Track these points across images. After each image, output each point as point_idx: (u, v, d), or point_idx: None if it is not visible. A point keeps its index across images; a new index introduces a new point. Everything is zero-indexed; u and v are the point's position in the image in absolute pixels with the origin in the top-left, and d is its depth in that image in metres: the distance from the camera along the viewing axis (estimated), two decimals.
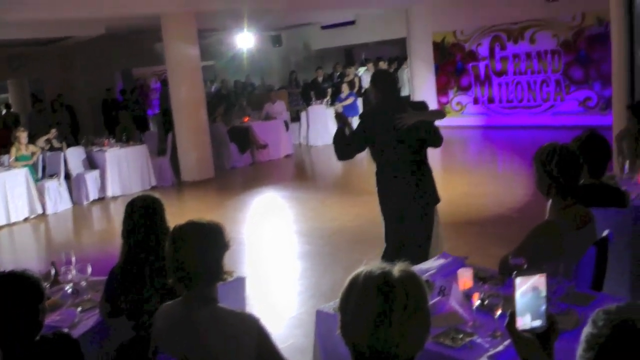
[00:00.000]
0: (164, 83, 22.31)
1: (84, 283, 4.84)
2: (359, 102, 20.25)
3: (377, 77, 6.50)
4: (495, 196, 11.60)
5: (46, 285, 4.84)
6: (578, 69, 17.46)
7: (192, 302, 3.31)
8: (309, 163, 18.98)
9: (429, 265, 4.59)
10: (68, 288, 4.88)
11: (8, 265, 3.67)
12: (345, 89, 20.07)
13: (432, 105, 6.68)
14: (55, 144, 14.89)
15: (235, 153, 17.49)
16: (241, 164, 17.55)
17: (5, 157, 13.98)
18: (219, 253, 3.38)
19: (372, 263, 2.33)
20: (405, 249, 6.15)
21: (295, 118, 21.36)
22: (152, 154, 15.69)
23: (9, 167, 13.46)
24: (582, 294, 3.84)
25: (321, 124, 19.88)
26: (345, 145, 6.31)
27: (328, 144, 18.90)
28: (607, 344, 1.76)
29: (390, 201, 6.28)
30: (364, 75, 21.51)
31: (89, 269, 4.85)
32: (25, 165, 13.42)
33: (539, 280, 2.41)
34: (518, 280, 2.40)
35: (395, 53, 24.06)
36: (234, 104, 20.58)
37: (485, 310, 3.59)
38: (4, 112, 21.60)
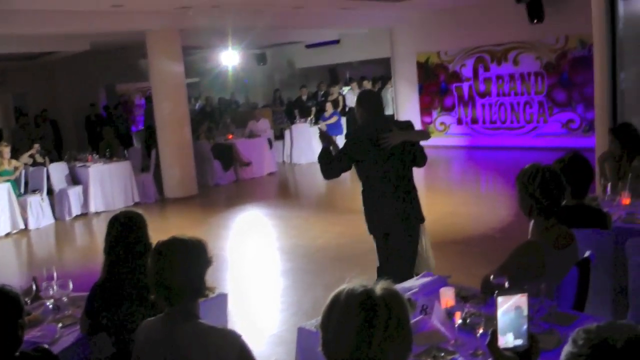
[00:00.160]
0: (148, 99, 22.29)
1: (65, 299, 4.82)
2: (343, 121, 20.31)
3: (363, 97, 6.53)
4: (479, 216, 11.63)
5: (27, 300, 4.82)
6: (561, 91, 17.57)
7: (174, 318, 3.30)
8: (293, 181, 18.97)
9: (412, 284, 4.59)
10: (49, 304, 4.84)
11: None
12: (329, 108, 20.10)
13: (416, 125, 6.75)
14: (38, 158, 14.83)
15: (218, 170, 17.47)
16: (224, 181, 17.52)
17: None
18: (202, 269, 3.37)
19: (354, 281, 2.33)
20: (391, 265, 6.19)
21: (279, 136, 21.36)
22: (136, 170, 15.65)
23: None
24: (564, 314, 3.85)
25: (305, 142, 19.93)
26: (331, 164, 6.32)
27: (311, 162, 18.99)
28: None
29: (376, 219, 6.30)
30: (348, 94, 21.56)
31: (71, 285, 4.83)
32: (7, 180, 13.32)
33: (520, 300, 2.42)
34: (500, 299, 2.42)
35: (380, 72, 24.17)
36: (218, 122, 20.59)
37: (467, 329, 3.60)
38: None
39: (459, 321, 3.64)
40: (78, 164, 15.10)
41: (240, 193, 16.60)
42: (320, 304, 2.35)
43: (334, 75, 27.80)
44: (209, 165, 17.37)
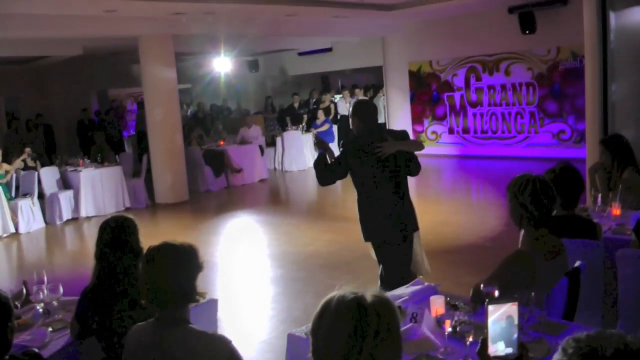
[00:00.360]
0: (140, 105, 22.25)
1: (55, 303, 4.81)
2: (335, 128, 20.33)
3: (359, 107, 6.57)
4: (469, 225, 11.64)
5: (17, 304, 4.82)
6: (552, 102, 17.63)
7: (164, 322, 3.30)
8: (284, 188, 18.95)
9: (402, 292, 4.60)
10: (39, 308, 4.84)
11: None
12: (321, 116, 20.11)
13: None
14: (29, 162, 14.79)
15: (210, 176, 17.45)
16: (216, 187, 17.51)
17: None
18: (193, 274, 3.38)
19: (344, 287, 2.34)
20: (387, 272, 6.29)
21: (271, 143, 21.35)
22: (127, 175, 15.64)
23: None
24: (554, 323, 3.86)
25: (296, 149, 19.96)
26: (327, 171, 6.36)
27: (303, 169, 19.04)
28: None
29: (371, 227, 6.34)
30: (340, 102, 21.60)
31: (61, 289, 4.83)
32: None
33: (511, 309, 2.43)
34: (491, 308, 2.43)
35: (372, 81, 24.21)
36: (209, 128, 20.57)
37: (457, 337, 3.61)
38: None
39: (448, 329, 3.65)
40: (69, 169, 15.07)
41: (231, 199, 16.59)
42: (310, 311, 2.35)
43: (326, 83, 27.84)
44: (200, 171, 17.36)
